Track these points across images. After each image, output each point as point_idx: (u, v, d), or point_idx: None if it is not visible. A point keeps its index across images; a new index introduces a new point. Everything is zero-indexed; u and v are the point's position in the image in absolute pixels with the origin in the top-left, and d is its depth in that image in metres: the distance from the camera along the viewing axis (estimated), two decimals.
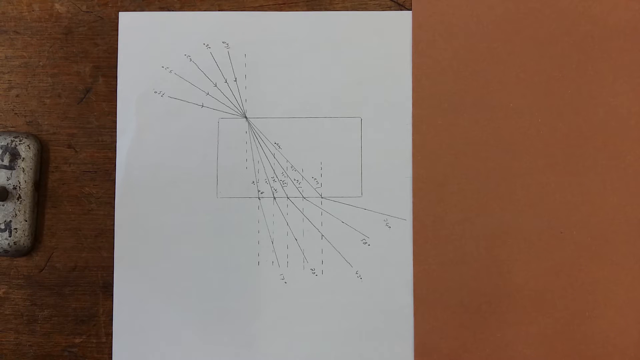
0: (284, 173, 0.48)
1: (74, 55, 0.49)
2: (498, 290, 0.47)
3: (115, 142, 0.48)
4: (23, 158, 0.46)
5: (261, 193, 0.48)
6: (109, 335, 0.47)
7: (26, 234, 0.46)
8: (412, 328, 0.47)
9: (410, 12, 0.48)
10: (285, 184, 0.48)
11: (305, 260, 0.47)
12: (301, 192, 0.48)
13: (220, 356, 0.47)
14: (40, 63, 0.49)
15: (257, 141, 0.48)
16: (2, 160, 0.46)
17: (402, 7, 0.49)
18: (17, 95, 0.48)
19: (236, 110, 0.48)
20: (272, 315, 0.47)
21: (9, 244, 0.46)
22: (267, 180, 0.48)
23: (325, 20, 0.48)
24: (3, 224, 0.46)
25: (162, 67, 0.48)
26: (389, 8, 0.49)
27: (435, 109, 0.48)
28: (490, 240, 0.47)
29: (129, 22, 0.49)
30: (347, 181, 0.48)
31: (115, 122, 0.48)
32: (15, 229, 0.46)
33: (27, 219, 0.46)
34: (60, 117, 0.48)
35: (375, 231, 0.47)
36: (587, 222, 0.47)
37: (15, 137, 0.47)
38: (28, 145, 0.46)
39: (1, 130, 0.48)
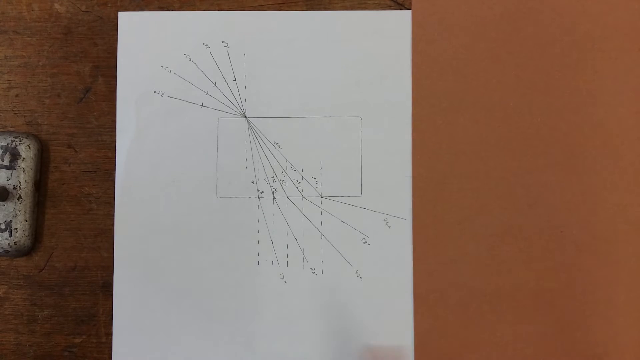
0: (284, 172, 0.48)
1: (73, 55, 0.49)
2: (498, 290, 0.47)
3: (115, 142, 0.48)
4: (23, 158, 0.46)
5: (261, 193, 0.48)
6: (109, 335, 0.47)
7: (26, 234, 0.46)
8: (412, 328, 0.47)
9: (410, 11, 0.48)
10: (285, 184, 0.48)
11: (305, 259, 0.47)
12: (301, 191, 0.48)
13: (220, 356, 0.47)
14: (40, 63, 0.49)
15: (256, 141, 0.48)
16: (2, 160, 0.46)
17: (401, 6, 0.49)
18: (17, 95, 0.48)
19: (236, 109, 0.48)
20: (272, 315, 0.47)
21: (9, 244, 0.46)
22: (266, 179, 0.48)
23: (325, 19, 0.48)
24: (3, 224, 0.46)
25: (162, 66, 0.48)
26: (389, 7, 0.49)
27: (435, 109, 0.48)
28: (490, 240, 0.47)
29: (128, 22, 0.49)
30: (346, 180, 0.48)
31: (115, 122, 0.48)
32: (16, 229, 0.46)
33: (27, 219, 0.46)
34: (60, 117, 0.48)
35: (375, 230, 0.47)
36: (587, 221, 0.47)
37: (15, 137, 0.47)
38: (28, 145, 0.47)
39: (1, 130, 0.48)
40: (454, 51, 0.48)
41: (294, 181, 0.48)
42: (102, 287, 0.48)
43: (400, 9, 0.48)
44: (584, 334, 0.46)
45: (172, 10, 0.49)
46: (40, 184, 0.48)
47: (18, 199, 0.46)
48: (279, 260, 0.47)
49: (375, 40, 0.48)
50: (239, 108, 0.48)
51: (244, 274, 0.47)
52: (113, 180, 0.48)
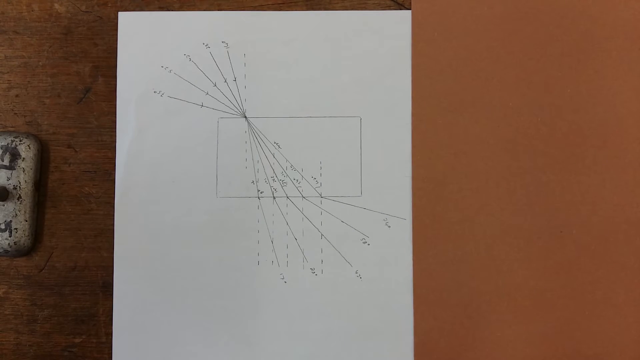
0: (284, 173, 0.48)
1: (73, 55, 0.49)
2: (498, 290, 0.47)
3: (115, 142, 0.48)
4: (23, 158, 0.46)
5: (261, 193, 0.48)
6: (109, 335, 0.47)
7: (26, 234, 0.46)
8: (412, 328, 0.47)
9: (410, 11, 0.48)
10: (285, 184, 0.48)
11: (305, 259, 0.47)
12: (301, 191, 0.48)
13: (220, 356, 0.47)
14: (40, 63, 0.49)
15: (256, 141, 0.48)
16: (2, 160, 0.46)
17: (401, 6, 0.49)
18: (17, 95, 0.48)
19: (236, 109, 0.48)
20: (272, 315, 0.47)
21: (9, 244, 0.46)
22: (266, 179, 0.48)
23: (325, 19, 0.48)
24: (3, 224, 0.46)
25: (162, 66, 0.48)
26: (389, 7, 0.49)
27: (435, 108, 0.48)
28: (490, 240, 0.47)
29: (128, 22, 0.49)
30: (346, 180, 0.48)
31: (115, 122, 0.48)
32: (16, 229, 0.46)
33: (27, 219, 0.46)
34: (59, 117, 0.48)
35: (375, 230, 0.47)
36: (587, 221, 0.47)
37: (15, 137, 0.47)
38: (28, 145, 0.47)
39: (1, 130, 0.48)
40: (454, 51, 0.48)
41: (294, 181, 0.48)
42: (102, 287, 0.48)
43: (400, 9, 0.48)
44: (584, 334, 0.46)
45: (172, 10, 0.49)
46: (40, 184, 0.48)
47: (18, 199, 0.46)
48: (279, 260, 0.47)
49: (375, 40, 0.48)
50: (239, 108, 0.48)
51: (244, 274, 0.47)
52: (113, 180, 0.48)
